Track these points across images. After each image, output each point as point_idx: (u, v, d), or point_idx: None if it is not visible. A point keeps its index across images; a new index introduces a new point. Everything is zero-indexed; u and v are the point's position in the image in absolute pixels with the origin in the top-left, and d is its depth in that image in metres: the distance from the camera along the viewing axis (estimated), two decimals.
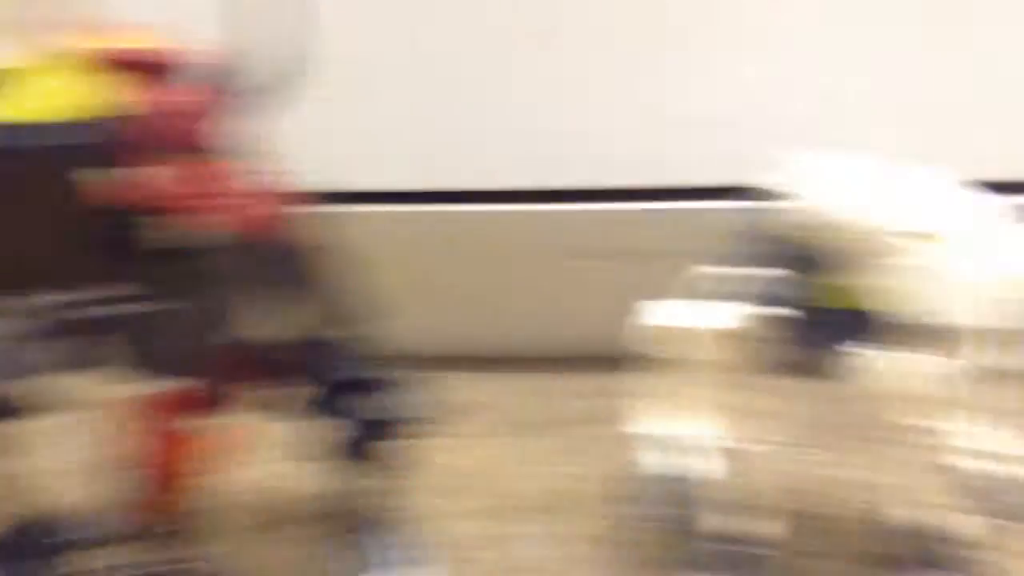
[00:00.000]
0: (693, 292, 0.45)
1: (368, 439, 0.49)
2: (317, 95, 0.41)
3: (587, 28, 0.63)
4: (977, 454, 0.47)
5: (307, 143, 0.42)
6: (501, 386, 0.72)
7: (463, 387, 0.71)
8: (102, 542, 0.46)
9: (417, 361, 0.48)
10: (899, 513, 0.55)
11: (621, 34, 0.63)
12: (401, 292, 0.53)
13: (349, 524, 0.56)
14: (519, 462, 0.63)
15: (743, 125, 0.63)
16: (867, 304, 0.42)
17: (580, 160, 0.65)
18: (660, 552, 0.53)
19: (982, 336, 0.39)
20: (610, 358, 0.73)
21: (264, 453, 0.67)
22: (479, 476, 0.62)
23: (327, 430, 0.50)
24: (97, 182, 0.36)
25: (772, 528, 0.49)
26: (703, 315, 0.44)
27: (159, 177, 0.36)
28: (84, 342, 0.43)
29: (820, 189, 0.40)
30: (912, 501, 0.49)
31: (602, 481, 0.60)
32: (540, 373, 0.73)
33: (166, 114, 0.37)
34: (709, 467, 0.44)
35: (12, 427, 0.45)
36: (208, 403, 0.49)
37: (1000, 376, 0.45)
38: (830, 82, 0.62)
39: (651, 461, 0.45)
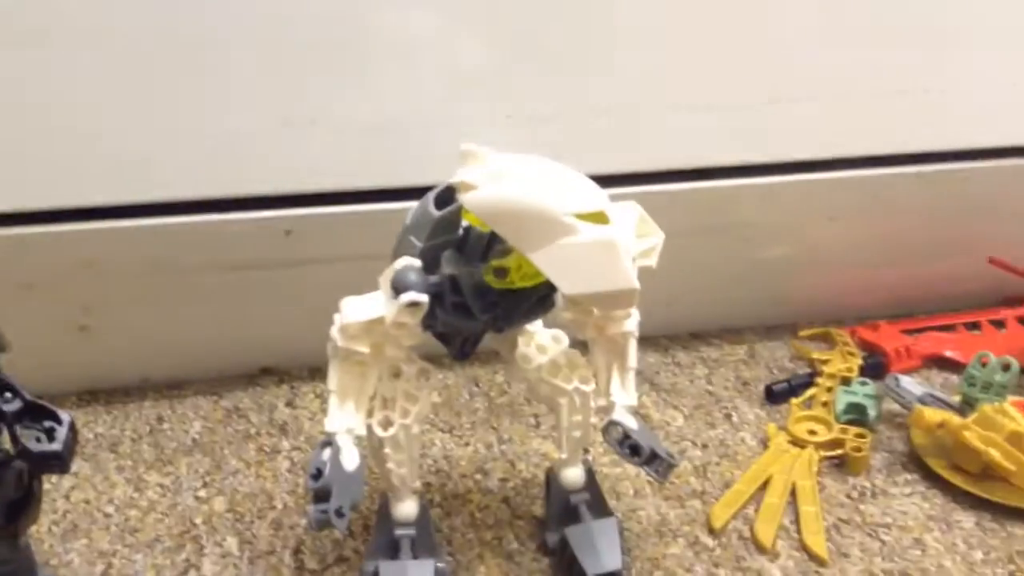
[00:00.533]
0: (369, 288, 0.46)
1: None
2: None
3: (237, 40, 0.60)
4: (602, 410, 0.53)
5: None
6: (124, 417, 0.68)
7: (86, 421, 0.66)
8: None
9: (39, 396, 0.45)
10: (543, 473, 0.61)
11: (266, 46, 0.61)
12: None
13: None
14: (147, 494, 0.60)
15: (407, 129, 0.63)
16: (536, 282, 0.45)
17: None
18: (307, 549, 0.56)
19: (610, 301, 0.44)
20: (254, 371, 0.73)
21: None
22: (100, 511, 0.59)
23: None
24: None
25: (414, 509, 0.51)
26: (363, 308, 0.45)
27: None
28: None
29: (493, 180, 0.42)
30: (558, 460, 0.54)
31: (237, 499, 0.60)
32: (169, 399, 0.70)
33: None
34: (355, 456, 0.45)
35: None
36: None
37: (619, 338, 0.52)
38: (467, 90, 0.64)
39: (312, 459, 0.45)
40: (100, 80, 0.59)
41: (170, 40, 0.59)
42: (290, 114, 0.61)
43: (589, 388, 0.51)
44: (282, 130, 0.61)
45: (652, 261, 0.46)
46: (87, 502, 0.59)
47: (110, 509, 0.59)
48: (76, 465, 0.45)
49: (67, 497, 0.59)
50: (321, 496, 0.44)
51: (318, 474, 0.44)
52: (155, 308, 0.66)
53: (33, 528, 0.50)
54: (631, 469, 0.62)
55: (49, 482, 0.46)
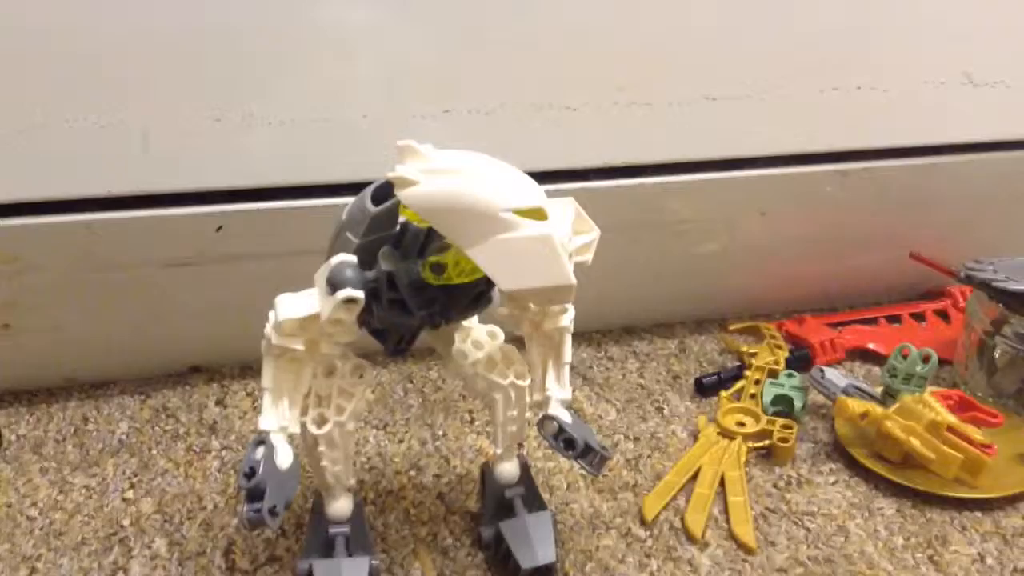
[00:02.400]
0: (304, 285, 0.45)
1: None
2: None
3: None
4: (536, 405, 0.54)
5: None
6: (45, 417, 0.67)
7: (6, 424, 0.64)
8: None
9: None
10: (478, 469, 0.62)
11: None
12: None
13: None
14: (71, 497, 0.59)
15: (343, 124, 0.62)
16: (460, 278, 0.45)
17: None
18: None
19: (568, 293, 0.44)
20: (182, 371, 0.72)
21: None
22: (66, 512, 0.57)
23: None
24: None
25: (348, 506, 0.51)
26: (295, 306, 0.45)
27: None
28: None
29: (431, 176, 0.42)
30: (498, 454, 0.54)
31: (165, 500, 0.59)
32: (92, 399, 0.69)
33: None
34: (288, 455, 0.45)
35: None
36: None
37: (554, 333, 0.53)
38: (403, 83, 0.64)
39: (251, 456, 0.45)
40: (24, 72, 0.57)
41: (96, 31, 0.57)
42: (223, 108, 0.60)
43: (525, 383, 0.52)
44: (215, 124, 0.60)
45: (588, 257, 0.46)
46: (9, 506, 0.58)
47: (33, 512, 0.57)
48: None
49: None
50: (255, 495, 0.43)
51: (251, 473, 0.44)
52: (80, 306, 0.65)
53: None
54: (565, 463, 0.62)
55: None
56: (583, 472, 0.56)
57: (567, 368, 0.52)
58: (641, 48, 0.67)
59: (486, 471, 0.55)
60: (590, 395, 0.71)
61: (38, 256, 0.62)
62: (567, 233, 0.44)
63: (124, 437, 0.65)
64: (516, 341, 0.52)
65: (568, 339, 0.51)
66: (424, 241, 0.45)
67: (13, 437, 0.64)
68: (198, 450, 0.64)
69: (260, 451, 0.44)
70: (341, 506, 0.50)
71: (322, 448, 0.48)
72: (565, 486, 0.61)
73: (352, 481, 0.51)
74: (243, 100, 0.61)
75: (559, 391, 0.51)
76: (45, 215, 0.60)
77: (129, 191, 0.61)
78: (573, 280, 0.41)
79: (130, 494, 0.59)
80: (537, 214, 0.40)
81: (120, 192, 0.61)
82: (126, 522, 0.57)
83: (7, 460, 0.62)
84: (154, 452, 0.63)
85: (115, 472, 0.61)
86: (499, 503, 0.54)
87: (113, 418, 0.67)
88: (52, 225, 0.60)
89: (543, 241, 0.40)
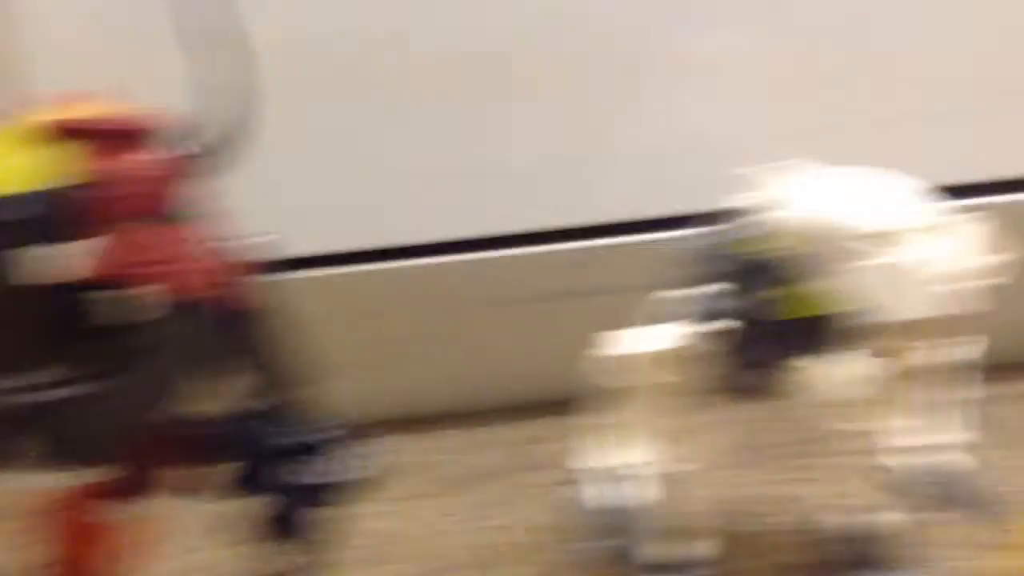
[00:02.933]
0: (646, 320, 0.44)
1: (294, 511, 0.46)
2: (255, 159, 0.40)
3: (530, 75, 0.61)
4: (908, 451, 0.48)
5: (248, 209, 0.40)
6: (430, 444, 0.71)
7: (392, 449, 0.69)
8: None
9: (350, 425, 0.46)
10: (831, 519, 0.57)
11: (563, 75, 0.61)
12: (332, 354, 0.51)
13: None
14: (445, 522, 0.62)
15: (692, 154, 0.62)
16: (822, 311, 0.43)
17: (522, 204, 0.64)
18: None
19: (930, 327, 0.40)
20: (551, 402, 0.73)
21: (187, 541, 0.62)
22: (404, 540, 0.60)
23: (254, 507, 0.47)
24: (41, 257, 0.33)
25: (707, 549, 0.49)
26: (646, 340, 0.44)
27: (111, 247, 0.33)
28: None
29: (779, 200, 0.40)
30: (845, 506, 0.49)
31: (530, 529, 0.59)
32: (471, 427, 0.72)
33: (122, 181, 0.34)
34: (645, 494, 0.44)
35: None
36: (128, 490, 0.45)
37: (939, 369, 0.47)
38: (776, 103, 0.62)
39: (592, 495, 0.44)
40: (404, 123, 0.62)
41: (462, 76, 0.61)
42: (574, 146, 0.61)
43: (894, 426, 0.47)
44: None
45: (997, 281, 0.40)
46: (389, 531, 0.61)
47: (416, 533, 0.61)
48: None
49: (375, 521, 0.61)
50: (599, 534, 0.43)
51: (597, 511, 0.43)
52: (449, 342, 0.69)
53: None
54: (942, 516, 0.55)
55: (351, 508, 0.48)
56: (970, 527, 0.49)
57: (953, 407, 0.46)
58: None
59: (848, 521, 0.50)
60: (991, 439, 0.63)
61: (414, 296, 0.66)
62: (960, 256, 0.39)
63: (493, 466, 0.67)
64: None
65: (956, 375, 0.45)
66: (778, 271, 0.43)
67: (400, 462, 0.69)
68: (521, 485, 0.65)
69: (608, 489, 0.44)
70: (695, 549, 0.48)
71: (674, 489, 0.46)
72: (942, 543, 0.53)
73: (706, 524, 0.48)
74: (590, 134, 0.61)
75: (939, 435, 0.45)
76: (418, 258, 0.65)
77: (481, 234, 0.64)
78: (921, 314, 0.36)
79: (496, 522, 0.61)
80: (909, 236, 0.36)
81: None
82: (498, 550, 0.58)
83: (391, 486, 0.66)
84: (522, 482, 0.65)
85: (483, 500, 0.63)
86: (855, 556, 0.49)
87: (485, 446, 0.70)
88: (425, 266, 0.65)
89: (878, 271, 0.36)
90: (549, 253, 0.64)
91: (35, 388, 0.37)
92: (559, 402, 0.72)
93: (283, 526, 0.48)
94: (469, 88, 0.61)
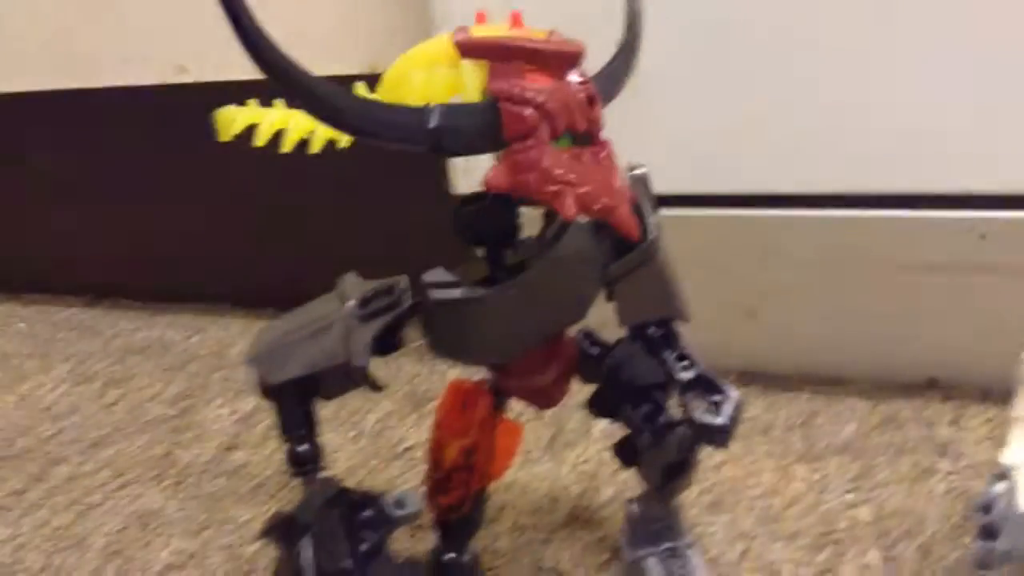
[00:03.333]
0: None
1: (655, 446, 0.47)
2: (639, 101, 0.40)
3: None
4: None
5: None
6: (777, 402, 0.69)
7: (773, 405, 0.68)
8: (401, 524, 0.45)
9: (724, 372, 0.46)
10: None
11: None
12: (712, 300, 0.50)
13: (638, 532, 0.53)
14: (791, 485, 0.60)
15: None
16: None
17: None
18: None
19: None
20: (911, 384, 0.69)
21: (531, 452, 0.66)
22: (744, 491, 0.59)
23: (627, 431, 0.48)
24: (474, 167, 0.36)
25: None
26: None
27: (543, 162, 0.35)
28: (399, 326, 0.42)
29: None
30: None
31: (883, 512, 0.56)
32: (826, 394, 0.69)
33: (553, 101, 0.35)
34: None
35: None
36: (511, 394, 0.48)
37: None
38: None
39: (989, 490, 0.40)
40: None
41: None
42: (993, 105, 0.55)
43: None
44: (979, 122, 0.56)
45: None
46: (734, 480, 0.61)
47: (755, 492, 0.60)
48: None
49: (717, 470, 0.62)
50: (989, 532, 0.39)
51: (987, 509, 0.39)
52: (823, 300, 0.66)
53: (683, 494, 0.52)
54: None
55: (703, 453, 0.48)
56: None
57: None
58: None
59: None
60: None
61: (790, 247, 0.64)
62: None
63: (850, 439, 0.64)
64: None
65: None
66: None
67: (745, 416, 0.67)
68: (924, 468, 0.60)
69: (1000, 486, 0.40)
70: None
71: None
72: None
73: None
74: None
75: None
76: (797, 208, 0.62)
77: (886, 190, 0.59)
78: None
79: (849, 497, 0.58)
80: None
81: (877, 191, 0.60)
82: (842, 525, 0.56)
83: (737, 437, 0.65)
84: (879, 460, 0.61)
85: (836, 471, 0.61)
86: None
87: (842, 417, 0.66)
88: (804, 218, 0.62)
89: None
90: (951, 220, 0.58)
91: (441, 286, 0.41)
92: (918, 384, 0.68)
93: (639, 454, 0.49)
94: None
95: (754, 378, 0.72)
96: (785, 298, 0.67)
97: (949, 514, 0.55)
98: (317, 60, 0.74)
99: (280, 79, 0.31)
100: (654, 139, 0.62)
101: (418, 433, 0.70)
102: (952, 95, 0.56)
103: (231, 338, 0.90)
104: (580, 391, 0.49)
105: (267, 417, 0.74)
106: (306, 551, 0.41)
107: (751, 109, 0.60)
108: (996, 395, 0.42)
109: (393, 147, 0.34)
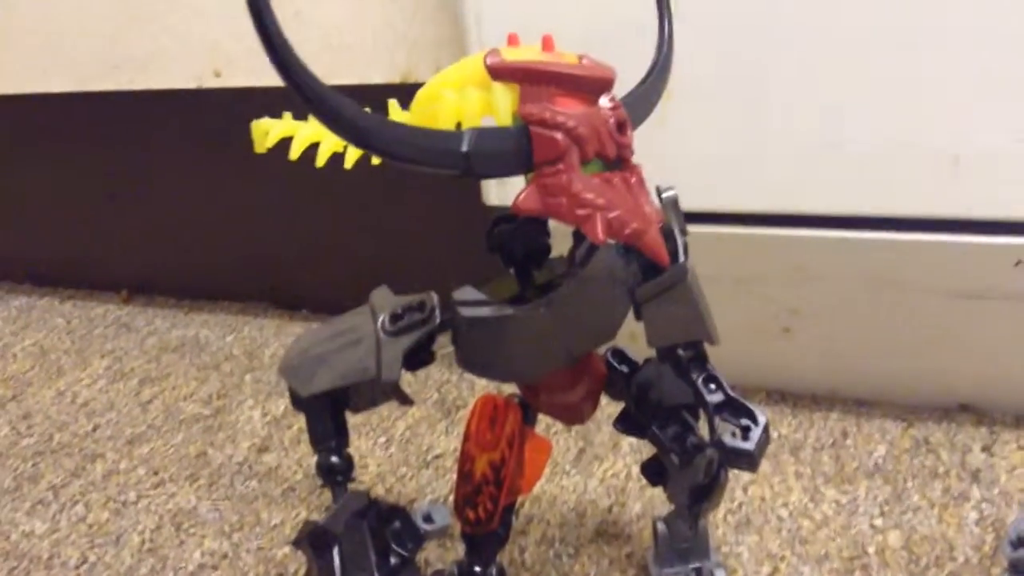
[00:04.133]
0: None
1: (683, 467, 0.47)
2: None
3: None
4: None
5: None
6: (806, 422, 0.68)
7: (792, 423, 0.68)
8: (429, 538, 0.45)
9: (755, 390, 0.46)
10: None
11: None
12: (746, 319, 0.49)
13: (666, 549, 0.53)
14: (815, 507, 0.59)
15: None
16: None
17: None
18: None
19: None
20: (940, 407, 0.68)
21: (560, 466, 0.66)
22: (772, 512, 0.59)
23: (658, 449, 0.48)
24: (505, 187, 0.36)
25: None
26: None
27: (573, 187, 0.35)
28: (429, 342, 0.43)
29: None
30: None
31: (911, 539, 0.55)
32: (852, 415, 0.69)
33: (584, 126, 0.36)
34: None
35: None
36: (539, 409, 0.48)
37: None
38: None
39: (1020, 524, 0.40)
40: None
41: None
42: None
43: None
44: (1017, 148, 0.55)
45: None
46: (763, 500, 0.61)
47: (783, 512, 0.60)
48: None
49: (744, 490, 0.61)
50: (1018, 570, 0.38)
51: (1018, 544, 0.39)
52: (856, 321, 0.65)
53: (711, 515, 0.52)
54: None
55: (731, 472, 0.48)
56: None
57: None
58: None
59: None
60: None
61: (822, 267, 0.63)
62: None
63: (880, 461, 0.63)
64: None
65: None
66: None
67: (775, 435, 0.67)
68: (956, 495, 0.59)
69: None
70: None
71: None
72: None
73: None
74: None
75: None
76: (835, 229, 0.61)
77: (920, 214, 0.59)
78: None
79: (879, 521, 0.58)
80: None
81: (912, 214, 0.59)
82: (871, 549, 0.56)
83: (766, 456, 0.65)
84: (909, 484, 0.61)
85: (866, 495, 0.60)
86: None
87: (872, 439, 0.66)
88: (842, 240, 0.61)
89: None
90: (986, 246, 0.58)
91: (471, 304, 0.41)
92: (951, 408, 0.67)
93: (678, 479, 0.49)
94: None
95: (785, 396, 0.71)
96: (818, 318, 0.66)
97: (980, 543, 0.55)
98: (354, 67, 0.75)
99: (311, 103, 0.32)
100: (690, 155, 0.62)
101: (447, 441, 0.70)
102: (991, 121, 0.56)
103: (264, 339, 0.91)
104: (609, 404, 0.49)
105: (298, 420, 0.75)
106: (335, 564, 0.42)
107: (788, 128, 0.60)
108: None
109: (426, 171, 0.35)
